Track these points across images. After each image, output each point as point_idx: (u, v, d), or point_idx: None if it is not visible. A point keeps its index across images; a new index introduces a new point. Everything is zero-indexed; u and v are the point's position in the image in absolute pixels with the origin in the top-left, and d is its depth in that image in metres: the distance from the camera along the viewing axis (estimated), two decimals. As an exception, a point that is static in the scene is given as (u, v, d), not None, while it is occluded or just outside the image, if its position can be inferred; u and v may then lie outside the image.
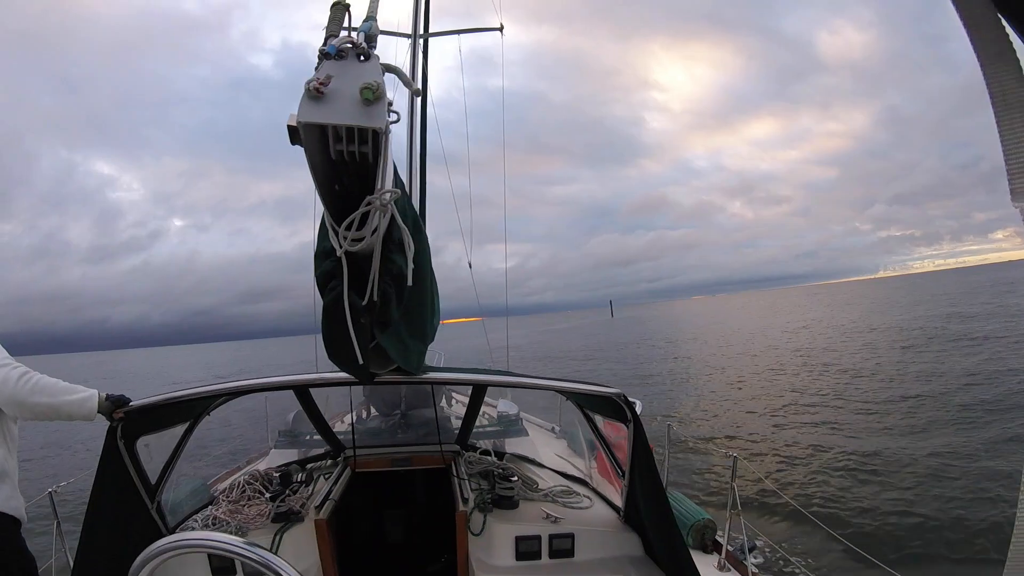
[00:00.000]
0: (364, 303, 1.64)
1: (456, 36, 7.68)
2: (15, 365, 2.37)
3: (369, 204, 1.45)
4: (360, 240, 1.50)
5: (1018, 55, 0.61)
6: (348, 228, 1.49)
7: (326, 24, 1.49)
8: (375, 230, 1.52)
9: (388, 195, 1.44)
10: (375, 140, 1.33)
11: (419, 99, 6.33)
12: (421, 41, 6.71)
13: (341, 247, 1.51)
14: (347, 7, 1.53)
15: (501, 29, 7.75)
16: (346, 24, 1.54)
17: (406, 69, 6.67)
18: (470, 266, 7.40)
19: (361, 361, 1.75)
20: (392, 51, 7.60)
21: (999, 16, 0.62)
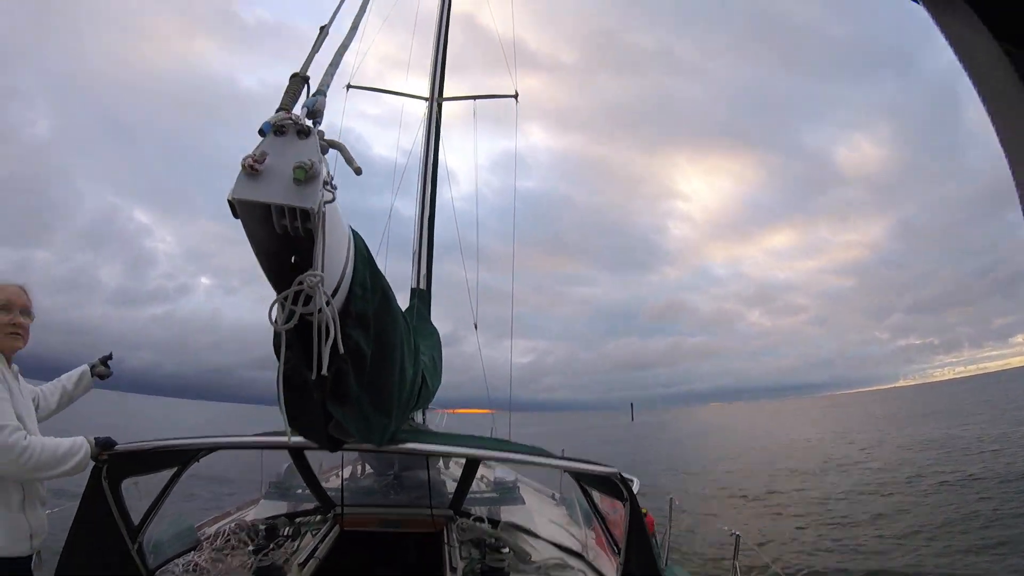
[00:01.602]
0: (313, 378, 1.56)
1: (472, 102, 8.00)
2: (13, 443, 2.28)
3: (301, 284, 1.41)
4: (291, 318, 1.44)
5: None
6: (284, 300, 1.44)
7: (283, 95, 1.44)
8: (319, 309, 1.45)
9: (316, 278, 1.39)
10: (305, 218, 1.31)
11: (432, 168, 6.53)
12: (436, 105, 7.03)
13: (284, 323, 1.45)
14: (306, 79, 1.48)
15: (516, 97, 8.04)
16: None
17: (421, 131, 6.89)
18: (476, 327, 7.38)
19: (288, 438, 1.75)
20: (401, 111, 7.94)
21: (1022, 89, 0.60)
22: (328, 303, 1.47)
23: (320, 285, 1.41)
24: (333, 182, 1.37)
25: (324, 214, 1.33)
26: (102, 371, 3.20)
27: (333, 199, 1.36)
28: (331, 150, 1.41)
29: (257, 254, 1.44)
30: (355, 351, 1.67)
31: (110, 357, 3.25)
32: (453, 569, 3.15)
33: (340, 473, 4.58)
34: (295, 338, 1.54)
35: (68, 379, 3.06)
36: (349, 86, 7.88)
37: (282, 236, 1.39)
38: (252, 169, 1.26)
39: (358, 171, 1.42)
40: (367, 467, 5.37)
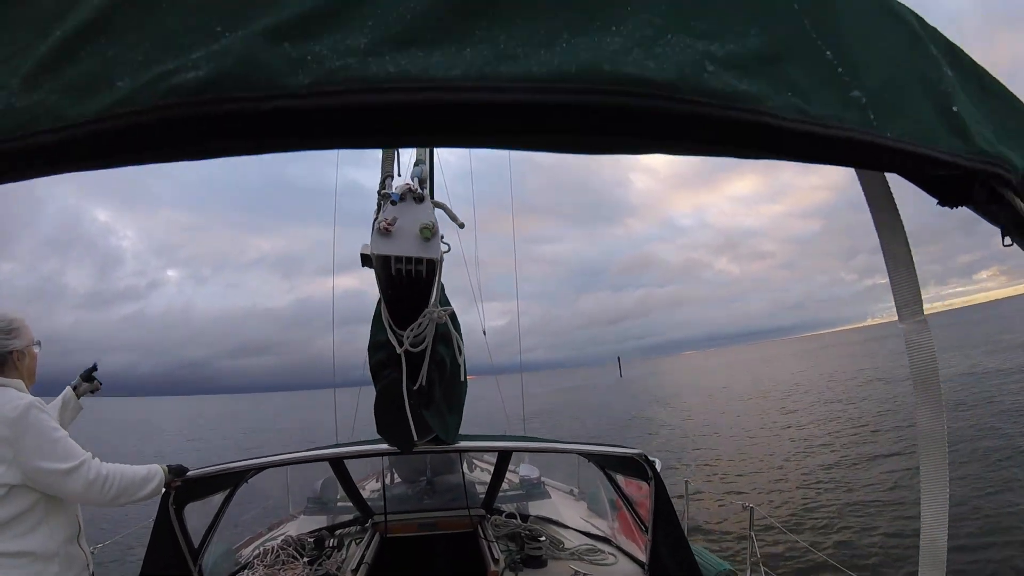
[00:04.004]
0: (415, 387, 1.94)
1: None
2: (89, 473, 2.31)
3: (425, 315, 1.79)
4: (416, 339, 1.82)
5: (904, 227, 0.87)
6: (411, 331, 1.80)
7: (381, 164, 1.84)
8: (424, 333, 1.85)
9: (448, 311, 1.82)
10: (429, 266, 1.65)
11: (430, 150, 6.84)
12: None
13: (402, 345, 1.82)
14: (397, 150, 1.84)
15: None
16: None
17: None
18: (484, 334, 7.61)
19: (417, 439, 2.08)
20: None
21: (892, 197, 0.87)
22: (453, 329, 1.97)
23: (447, 316, 1.83)
24: (444, 239, 1.71)
25: (442, 262, 1.67)
26: (88, 388, 3.00)
27: (449, 250, 1.70)
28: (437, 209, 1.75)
29: (383, 294, 1.80)
30: (440, 363, 2.03)
31: (94, 368, 3.05)
32: (495, 560, 3.35)
33: (380, 482, 4.79)
34: (392, 358, 1.89)
35: (52, 408, 2.86)
36: None
37: (392, 277, 1.70)
38: (386, 231, 1.59)
39: (461, 226, 1.79)
40: (395, 476, 5.57)
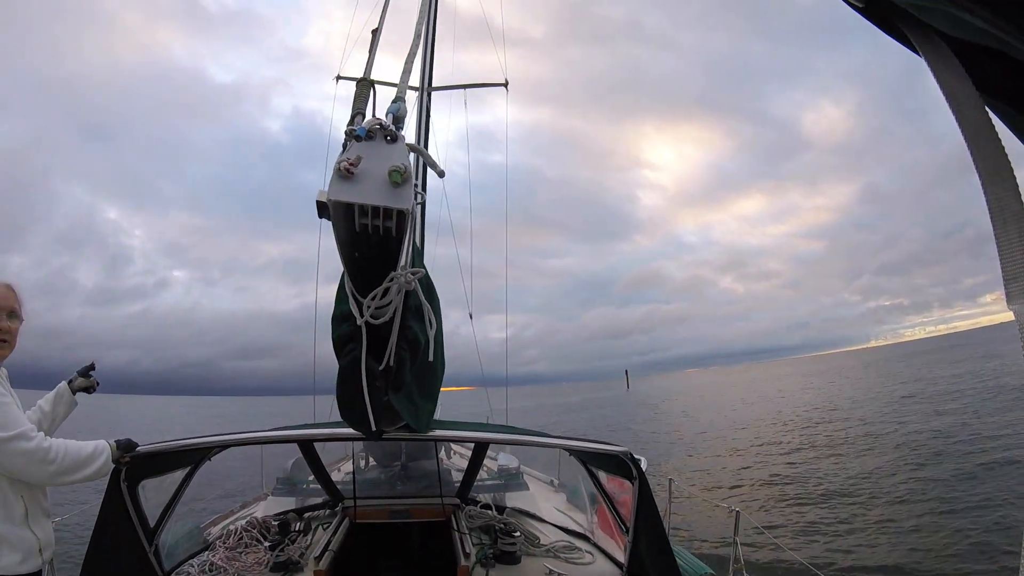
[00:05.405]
0: (380, 367, 1.68)
1: (462, 92, 7.98)
2: (29, 444, 2.19)
3: (392, 279, 1.50)
4: (382, 310, 1.55)
5: (1015, 172, 0.66)
6: (372, 299, 1.53)
7: (353, 100, 1.52)
8: (390, 303, 1.56)
9: (413, 274, 1.50)
10: (399, 219, 1.38)
11: (422, 165, 6.58)
12: (426, 95, 7.01)
13: (363, 316, 1.55)
14: (372, 84, 1.56)
15: (506, 84, 8.01)
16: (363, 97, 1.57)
17: (411, 123, 6.94)
18: (471, 316, 7.51)
19: (374, 427, 1.79)
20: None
21: (996, 133, 0.67)
22: (423, 297, 1.62)
23: (417, 280, 1.53)
24: (420, 187, 1.45)
25: (414, 215, 1.41)
26: (83, 384, 2.91)
27: (423, 201, 1.44)
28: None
29: (342, 253, 1.51)
30: (412, 341, 1.77)
31: (92, 367, 2.96)
32: (466, 555, 3.21)
33: (353, 465, 4.64)
34: (356, 332, 1.62)
35: (45, 401, 2.80)
36: (339, 78, 7.78)
37: (352, 233, 1.44)
38: (348, 172, 1.32)
39: (441, 174, 1.50)
40: (371, 459, 5.42)
